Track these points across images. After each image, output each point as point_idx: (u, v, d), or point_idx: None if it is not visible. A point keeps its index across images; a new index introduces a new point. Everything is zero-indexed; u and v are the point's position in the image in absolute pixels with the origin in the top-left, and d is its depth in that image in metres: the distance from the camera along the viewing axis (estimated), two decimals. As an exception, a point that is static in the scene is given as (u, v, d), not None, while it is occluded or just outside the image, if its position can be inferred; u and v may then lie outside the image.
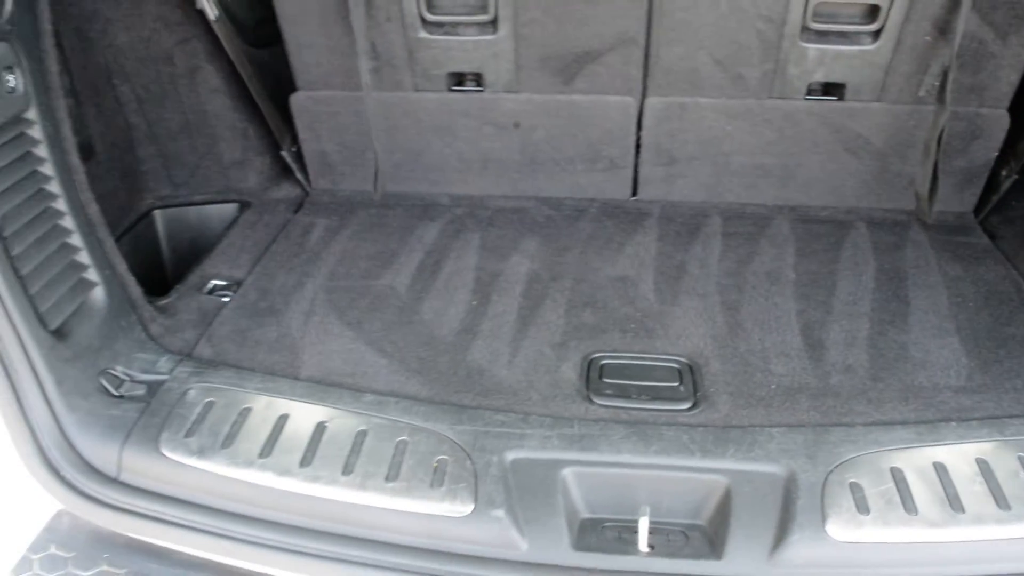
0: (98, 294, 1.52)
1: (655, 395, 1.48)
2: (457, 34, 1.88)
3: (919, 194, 1.96)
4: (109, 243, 1.56)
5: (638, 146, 2.04)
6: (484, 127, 2.02)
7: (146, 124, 2.06)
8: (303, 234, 2.00)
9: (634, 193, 2.13)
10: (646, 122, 1.98)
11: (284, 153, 2.15)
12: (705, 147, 2.01)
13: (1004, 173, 2.02)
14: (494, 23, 1.85)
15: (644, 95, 1.95)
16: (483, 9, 1.83)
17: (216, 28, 1.88)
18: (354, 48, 1.89)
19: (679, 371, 1.54)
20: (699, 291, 1.77)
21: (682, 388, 1.50)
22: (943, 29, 1.77)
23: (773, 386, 1.50)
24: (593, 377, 1.52)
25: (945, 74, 1.79)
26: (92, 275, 1.51)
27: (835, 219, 2.05)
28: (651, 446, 1.35)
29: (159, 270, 2.13)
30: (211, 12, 1.85)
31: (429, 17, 1.85)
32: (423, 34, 1.87)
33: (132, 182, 2.10)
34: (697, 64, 1.87)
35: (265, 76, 2.07)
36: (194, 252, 2.06)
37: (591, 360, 1.57)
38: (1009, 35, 1.78)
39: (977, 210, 2.09)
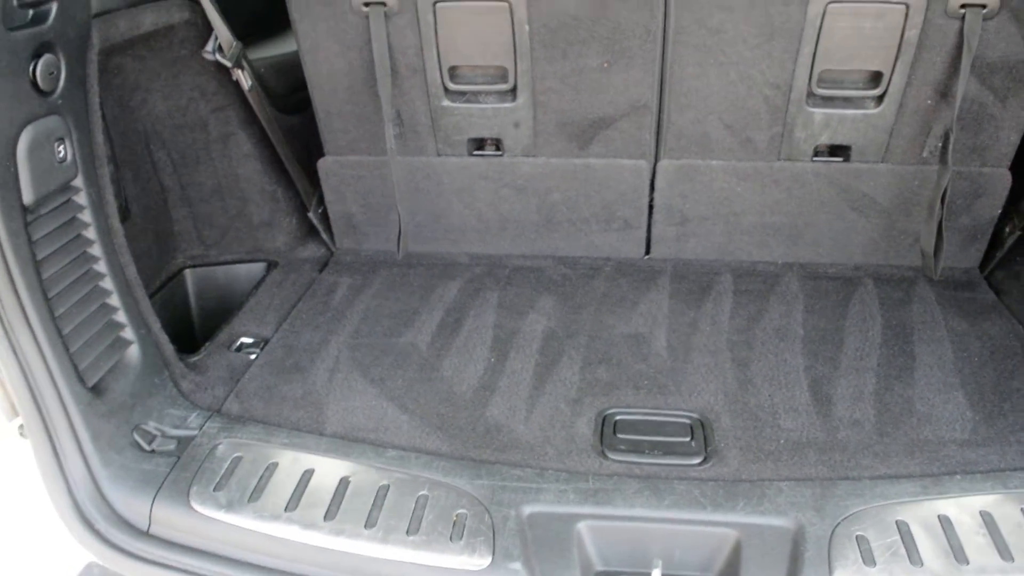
0: (133, 352, 1.60)
1: (667, 450, 1.53)
2: (478, 102, 1.97)
3: (924, 252, 2.01)
4: (145, 303, 1.65)
5: (651, 207, 2.11)
6: (503, 189, 2.10)
7: (180, 187, 2.17)
8: (328, 293, 2.08)
9: (647, 252, 2.20)
10: (658, 184, 2.06)
11: (311, 215, 2.24)
12: (716, 207, 2.08)
13: (1008, 230, 2.07)
14: (513, 92, 1.94)
15: (657, 158, 2.03)
16: (503, 79, 1.92)
17: (250, 97, 1.99)
18: (380, 116, 1.99)
19: (690, 426, 1.59)
20: (710, 348, 1.82)
21: (693, 443, 1.54)
22: (944, 93, 1.85)
23: (782, 440, 1.55)
24: (607, 433, 1.57)
25: (947, 136, 1.86)
26: (128, 334, 1.59)
27: (843, 276, 2.11)
28: (663, 500, 1.39)
29: (188, 327, 2.22)
30: (246, 82, 1.96)
31: (452, 87, 1.94)
32: (446, 102, 1.97)
33: (165, 242, 2.19)
34: (708, 128, 1.95)
35: (293, 141, 2.18)
36: (222, 310, 2.14)
37: (605, 416, 1.62)
38: (1008, 98, 1.85)
39: (982, 266, 2.14)
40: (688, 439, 1.56)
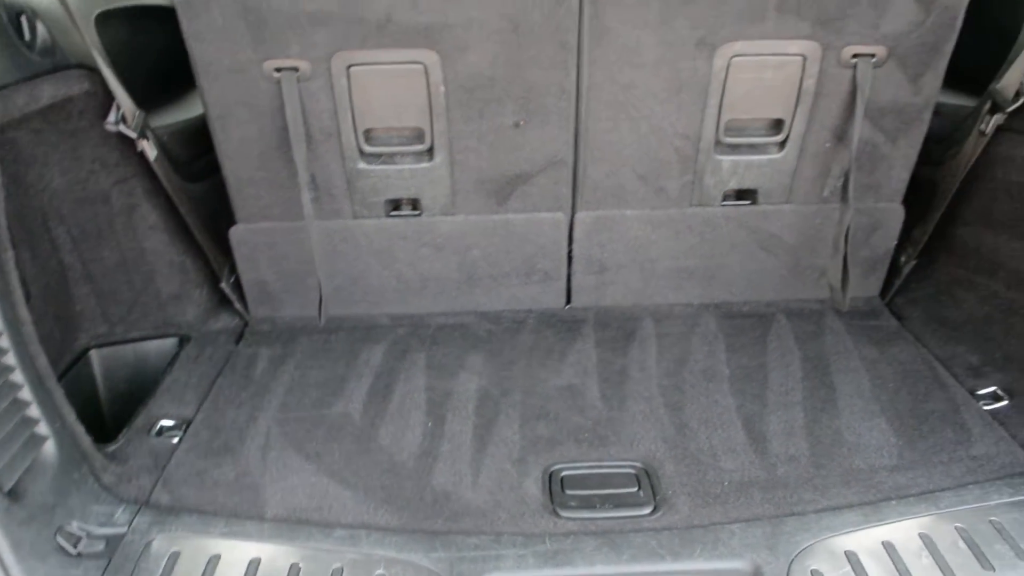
0: (49, 448, 1.49)
1: (617, 502, 1.53)
2: (394, 163, 1.96)
3: (832, 286, 2.11)
4: (58, 393, 1.54)
5: (570, 258, 2.14)
6: (422, 249, 2.09)
7: (81, 264, 2.05)
8: (248, 366, 2.01)
9: (568, 302, 2.23)
10: (577, 235, 2.09)
11: (223, 285, 2.16)
12: (633, 255, 2.13)
13: (903, 259, 2.21)
14: (430, 152, 1.94)
15: (574, 210, 2.07)
16: (420, 139, 1.92)
17: (155, 167, 1.91)
18: (293, 181, 1.94)
19: (636, 476, 1.60)
20: (643, 394, 1.85)
21: (641, 493, 1.56)
22: (840, 136, 1.96)
23: (726, 483, 1.58)
24: (556, 490, 1.57)
25: (847, 176, 1.97)
26: (43, 429, 1.48)
27: (757, 313, 2.19)
28: (622, 555, 1.39)
29: (97, 413, 2.09)
30: (151, 152, 1.88)
31: (367, 149, 1.93)
32: (362, 165, 1.95)
33: (66, 323, 2.06)
34: (622, 180, 2.00)
35: (200, 209, 2.10)
36: (133, 391, 2.03)
37: (551, 473, 1.62)
38: (898, 138, 1.98)
39: (883, 294, 2.26)
40: (636, 489, 1.57)
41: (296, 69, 1.79)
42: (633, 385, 1.88)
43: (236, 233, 2.07)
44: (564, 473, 1.62)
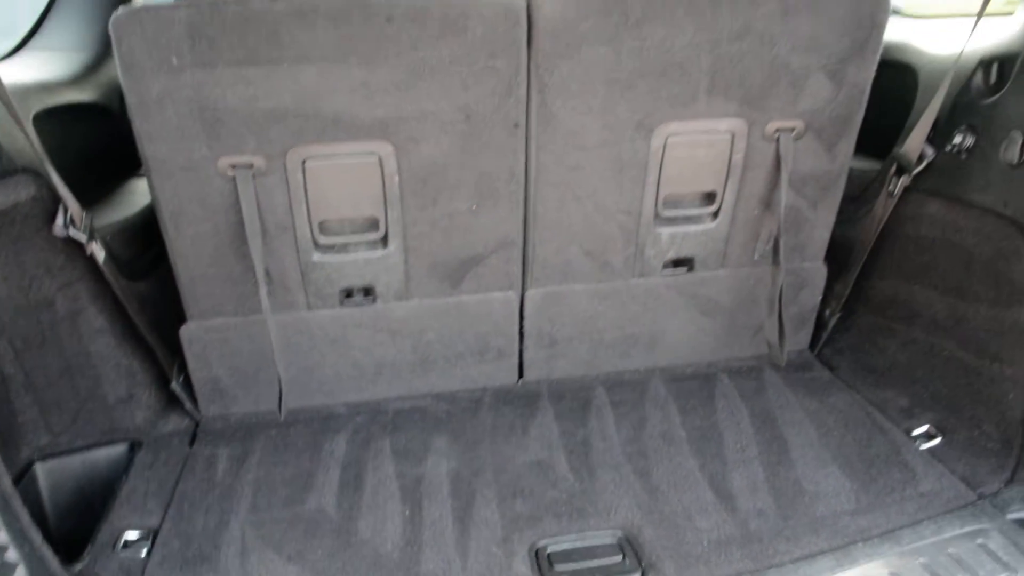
0: (20, 574, 1.42)
1: (607, 573, 1.57)
2: (348, 252, 1.99)
3: (770, 342, 2.24)
4: (25, 517, 1.48)
5: (521, 334, 2.20)
6: (377, 335, 2.11)
7: (23, 374, 1.97)
8: (208, 467, 1.96)
9: (520, 376, 2.28)
10: (527, 312, 2.16)
11: (173, 385, 2.12)
12: (581, 327, 2.21)
13: (828, 313, 2.37)
14: (385, 240, 1.98)
15: (524, 288, 2.14)
16: (374, 228, 1.96)
17: (104, 269, 1.88)
18: (247, 276, 1.94)
19: (619, 545, 1.65)
20: (610, 463, 1.91)
21: (627, 560, 1.61)
22: (768, 203, 2.11)
23: (705, 542, 1.65)
24: (545, 567, 1.60)
25: (776, 240, 2.11)
26: (12, 555, 1.42)
27: (700, 374, 2.30)
28: None
29: (44, 530, 1.99)
30: (100, 254, 1.85)
31: (322, 240, 1.95)
32: (316, 256, 1.97)
33: (7, 436, 1.97)
34: (570, 256, 2.09)
35: (146, 308, 2.06)
36: (83, 503, 1.95)
37: (537, 550, 1.65)
38: (818, 203, 2.14)
39: (812, 347, 2.42)
40: (621, 558, 1.62)
41: (251, 165, 1.80)
42: (599, 454, 1.94)
43: (187, 331, 2.04)
44: (550, 549, 1.65)
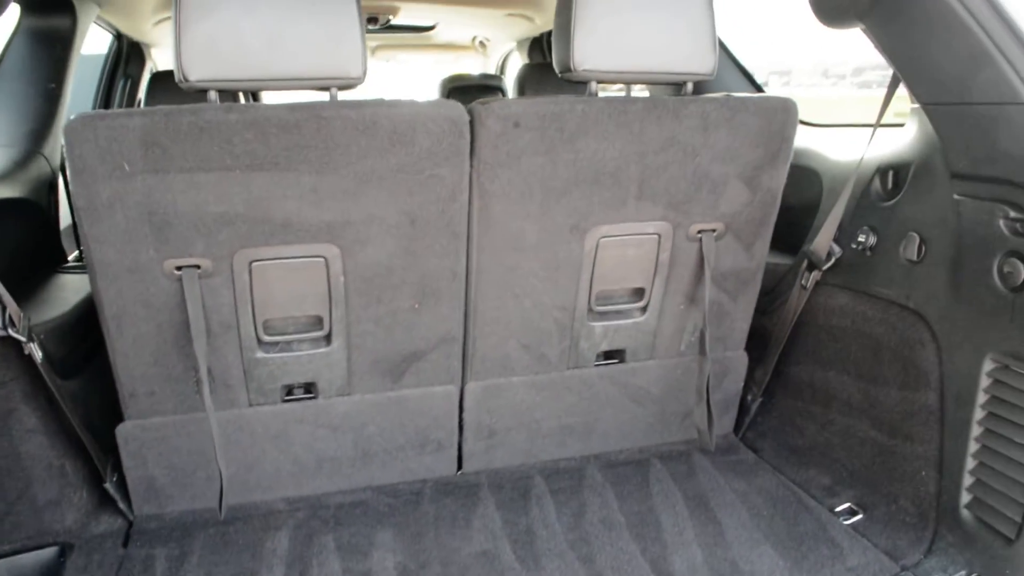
0: None
1: None
2: (292, 350, 2.02)
3: (700, 428, 2.35)
4: None
5: (461, 426, 2.26)
6: (318, 430, 2.13)
7: None
8: (145, 570, 1.92)
9: (459, 468, 2.32)
10: (467, 404, 2.22)
11: (107, 485, 2.08)
12: (519, 418, 2.28)
13: (750, 398, 2.51)
14: (328, 337, 2.01)
15: (464, 381, 2.20)
16: (318, 326, 2.00)
17: (42, 369, 1.86)
18: (188, 375, 1.95)
19: None
20: (555, 551, 1.95)
21: None
22: (692, 298, 2.24)
23: None
24: None
25: (702, 333, 2.25)
26: None
27: (633, 460, 2.38)
28: None
29: (-34, 641, 1.91)
30: (37, 354, 1.83)
31: (265, 338, 1.97)
32: (259, 354, 1.99)
33: (-71, 546, 1.90)
34: (508, 350, 2.16)
35: (77, 407, 2.03)
36: (9, 612, 1.88)
37: None
38: (738, 296, 2.29)
39: (736, 430, 2.54)
40: None
41: (198, 267, 1.83)
42: (542, 543, 1.99)
43: (123, 430, 2.02)
44: (499, 642, 1.68)
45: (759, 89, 3.14)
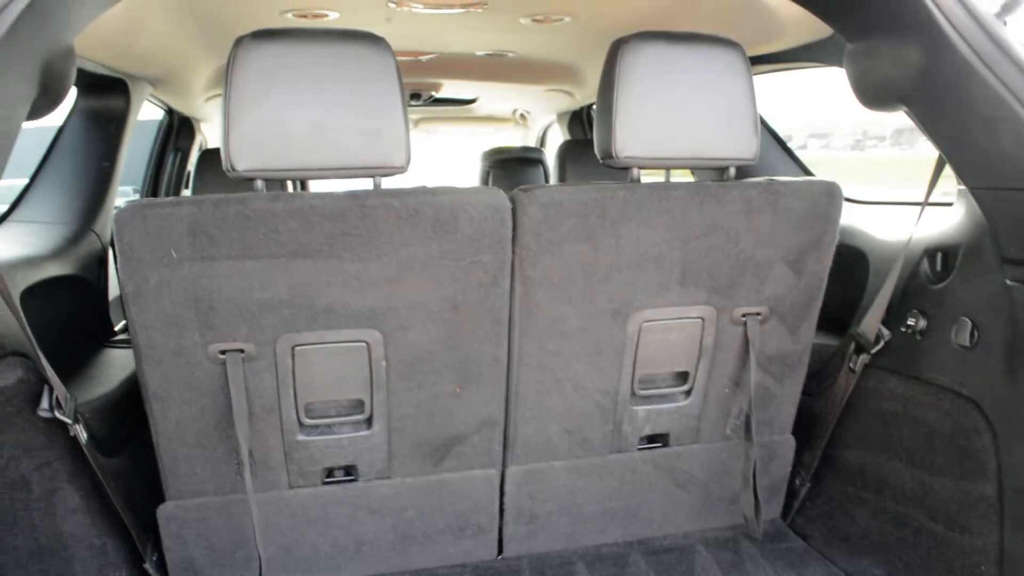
0: None
1: None
2: (333, 433, 2.01)
3: (746, 516, 2.29)
4: None
5: (502, 510, 2.22)
6: (358, 513, 2.11)
7: None
8: None
9: (500, 552, 2.28)
10: (508, 488, 2.19)
11: (147, 565, 2.07)
12: (561, 502, 2.24)
13: (798, 483, 2.44)
14: (369, 421, 2.01)
15: (505, 465, 2.17)
16: (359, 409, 2.00)
17: (86, 451, 1.87)
18: (230, 457, 1.95)
19: None
20: None
21: None
22: (737, 382, 2.20)
23: None
24: None
25: (748, 417, 2.20)
26: None
27: (677, 546, 2.32)
28: None
29: None
30: (82, 435, 1.85)
31: (307, 421, 1.98)
32: (300, 437, 1.99)
33: (-31, 627, 1.91)
34: (550, 434, 2.14)
35: (119, 486, 2.05)
36: None
37: None
38: (784, 380, 2.24)
39: (784, 516, 2.47)
40: None
41: (242, 351, 1.85)
42: None
43: (164, 511, 2.02)
44: None
45: (805, 170, 3.12)
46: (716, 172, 2.07)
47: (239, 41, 1.71)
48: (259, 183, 1.76)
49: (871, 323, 2.17)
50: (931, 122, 1.87)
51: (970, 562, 1.94)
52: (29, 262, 2.24)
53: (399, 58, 3.13)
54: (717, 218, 1.95)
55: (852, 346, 2.23)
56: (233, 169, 1.72)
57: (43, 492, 1.95)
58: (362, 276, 1.82)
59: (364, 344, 1.90)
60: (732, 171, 2.01)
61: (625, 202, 1.88)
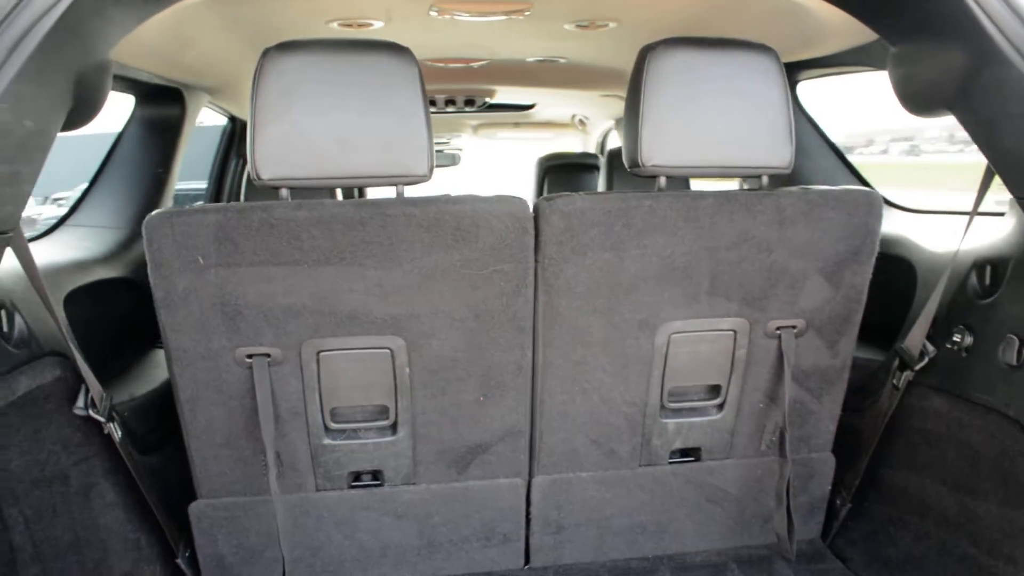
0: None
1: None
2: (358, 438, 2.04)
3: (779, 535, 2.22)
4: None
5: (528, 520, 2.21)
6: (384, 518, 2.13)
7: (32, 544, 2.00)
8: None
9: (527, 562, 2.27)
10: (534, 498, 2.17)
11: (179, 560, 2.13)
12: (588, 514, 2.21)
13: (839, 503, 2.35)
14: (394, 427, 2.03)
15: (531, 475, 2.16)
16: (384, 415, 2.01)
17: (120, 448, 1.93)
18: (258, 458, 1.99)
19: None
20: None
21: None
22: (772, 397, 2.14)
23: None
24: None
25: (782, 433, 2.13)
26: None
27: (709, 563, 2.27)
28: None
29: None
30: (116, 434, 1.91)
31: (332, 426, 2.00)
32: (327, 441, 2.02)
33: (11, 610, 1.99)
34: (576, 445, 2.11)
35: (156, 483, 2.11)
36: None
37: None
38: (823, 396, 2.17)
39: (823, 536, 2.38)
40: None
41: (268, 355, 1.89)
42: None
43: (196, 508, 2.07)
44: None
45: (860, 178, 3.01)
46: (752, 180, 2.02)
47: (265, 52, 1.75)
48: (284, 191, 1.80)
49: (916, 338, 2.08)
50: (978, 129, 1.78)
51: None
52: (79, 265, 2.33)
53: (450, 65, 3.16)
54: (748, 228, 1.90)
55: (896, 362, 2.14)
56: (259, 178, 1.76)
57: (81, 487, 2.02)
58: (384, 283, 1.83)
59: (388, 351, 1.92)
60: (765, 179, 1.95)
61: (650, 211, 1.85)
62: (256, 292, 1.80)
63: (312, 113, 1.75)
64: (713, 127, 1.87)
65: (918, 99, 1.91)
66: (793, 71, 2.94)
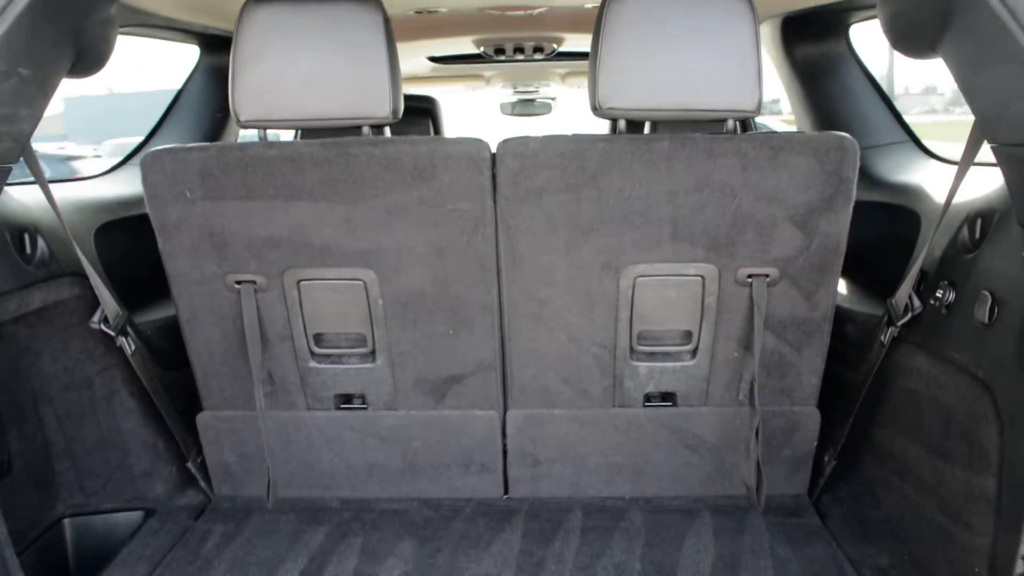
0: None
1: None
2: (342, 363, 2.20)
3: (748, 486, 2.22)
4: (13, 562, 1.72)
5: (504, 451, 2.31)
6: (368, 439, 2.28)
7: (64, 441, 2.29)
8: (200, 541, 2.18)
9: (506, 492, 2.38)
10: (509, 431, 2.27)
11: (189, 464, 2.37)
12: (563, 450, 2.29)
13: (826, 459, 2.31)
14: (372, 354, 2.17)
15: (505, 408, 2.26)
16: (363, 343, 2.16)
17: (132, 361, 2.17)
18: (251, 376, 2.18)
19: None
20: None
21: None
22: (747, 346, 2.13)
23: None
24: None
25: (752, 382, 2.12)
26: None
27: (684, 508, 2.30)
28: None
29: (65, 577, 2.27)
30: (128, 348, 2.15)
31: (317, 350, 2.17)
32: (313, 364, 2.19)
33: (45, 493, 2.28)
34: (547, 383, 2.19)
35: (177, 395, 2.35)
36: (100, 560, 2.21)
37: None
38: (802, 348, 2.14)
39: (810, 492, 2.36)
40: None
41: (254, 282, 2.06)
42: None
43: (202, 419, 2.30)
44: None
45: (908, 131, 2.86)
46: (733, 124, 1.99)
47: (245, 4, 1.89)
48: (261, 132, 1.95)
49: (903, 293, 2.02)
50: (959, 72, 1.70)
51: (967, 562, 1.79)
52: (123, 203, 2.56)
53: (507, 13, 3.19)
54: (708, 172, 1.90)
55: (885, 317, 2.08)
56: (238, 119, 1.91)
57: (104, 393, 2.29)
58: (352, 219, 1.96)
59: (361, 283, 2.05)
60: (731, 123, 1.92)
61: (604, 154, 1.88)
62: (239, 224, 1.97)
63: (285, 60, 1.88)
64: (673, 69, 1.85)
65: (906, 38, 1.82)
66: (844, 15, 2.82)
